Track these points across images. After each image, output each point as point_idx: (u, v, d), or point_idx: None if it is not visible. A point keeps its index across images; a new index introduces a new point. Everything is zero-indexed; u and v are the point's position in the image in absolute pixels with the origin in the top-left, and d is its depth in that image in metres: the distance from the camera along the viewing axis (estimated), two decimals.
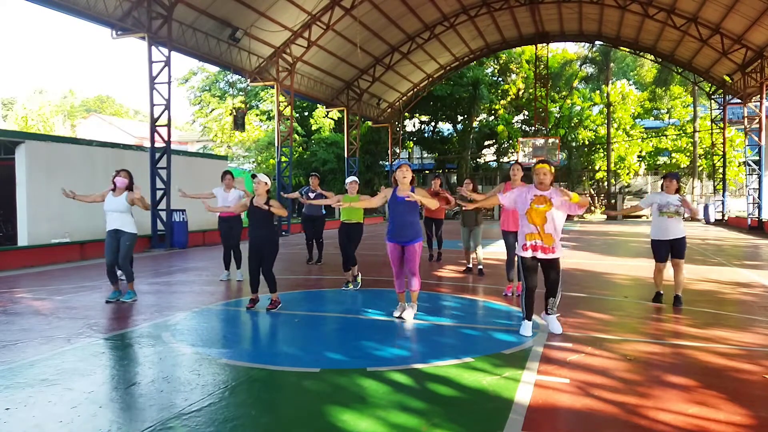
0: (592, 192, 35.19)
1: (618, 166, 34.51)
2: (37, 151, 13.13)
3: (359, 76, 24.63)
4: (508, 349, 4.61)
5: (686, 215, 6.46)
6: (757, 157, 21.72)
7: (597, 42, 27.96)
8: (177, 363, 4.30)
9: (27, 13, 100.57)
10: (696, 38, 20.80)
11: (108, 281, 6.94)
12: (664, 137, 35.25)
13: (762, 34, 18.73)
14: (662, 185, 6.66)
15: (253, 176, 6.28)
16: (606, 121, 34.19)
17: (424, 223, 10.26)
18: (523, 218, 5.11)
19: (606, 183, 34.48)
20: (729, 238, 17.44)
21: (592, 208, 32.56)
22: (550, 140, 28.93)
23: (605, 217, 31.32)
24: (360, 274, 7.83)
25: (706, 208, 25.21)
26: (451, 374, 3.98)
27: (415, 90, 29.57)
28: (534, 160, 27.95)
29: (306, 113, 35.04)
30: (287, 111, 22.09)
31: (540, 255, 5.00)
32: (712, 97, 26.31)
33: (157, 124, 14.25)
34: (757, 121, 21.69)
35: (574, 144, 35.11)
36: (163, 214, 13.97)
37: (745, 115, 22.45)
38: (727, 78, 23.41)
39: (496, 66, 37.41)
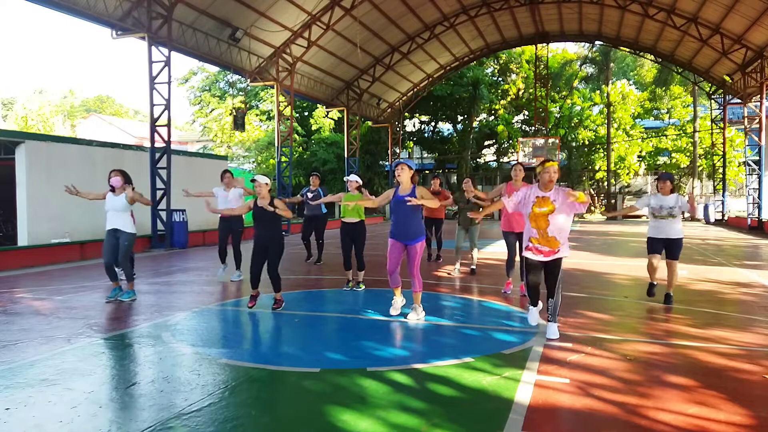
0: (592, 192, 35.19)
1: (618, 166, 34.50)
2: (37, 151, 13.13)
3: (359, 76, 24.63)
4: (508, 349, 4.61)
5: (686, 215, 6.43)
6: (757, 157, 21.72)
7: (597, 42, 27.97)
8: (177, 363, 4.30)
9: (27, 13, 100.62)
10: (696, 38, 20.80)
11: (108, 280, 6.95)
12: (664, 137, 35.24)
13: (762, 34, 18.73)
14: (656, 186, 6.63)
15: (253, 180, 6.27)
16: (606, 121, 34.19)
17: (424, 224, 10.21)
18: (526, 221, 5.08)
19: (606, 183, 34.47)
20: (729, 238, 17.44)
21: (593, 207, 32.55)
22: (550, 140, 28.93)
23: (605, 217, 31.32)
24: (363, 283, 7.69)
25: (706, 208, 25.22)
26: (451, 374, 3.98)
27: (415, 90, 29.57)
28: (534, 160, 28.00)
29: (306, 113, 35.03)
30: (287, 111, 22.09)
31: (542, 258, 4.94)
32: (712, 97, 26.31)
33: (157, 124, 14.25)
34: (757, 121, 21.69)
35: (574, 144, 35.10)
36: (163, 214, 13.97)
37: (745, 115, 22.45)
38: (727, 78, 23.41)
39: (496, 66, 37.40)
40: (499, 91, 37.39)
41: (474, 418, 3.24)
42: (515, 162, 8.73)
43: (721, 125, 25.97)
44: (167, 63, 14.11)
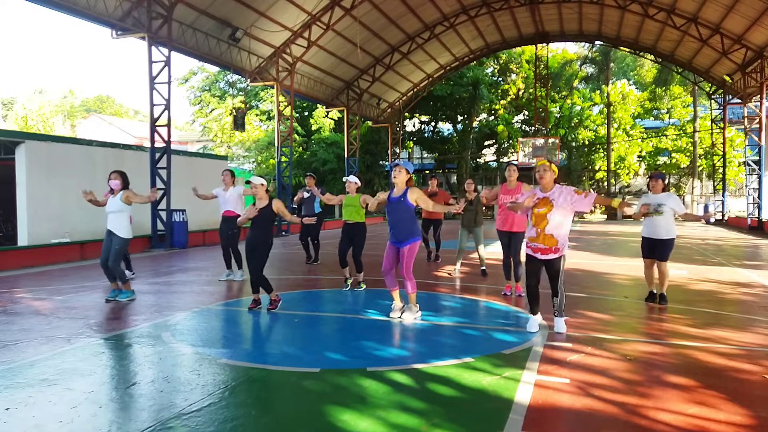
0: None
1: (618, 166, 34.49)
2: (37, 151, 13.13)
3: (359, 76, 24.63)
4: (508, 349, 4.61)
5: (677, 215, 6.43)
6: (757, 157, 21.72)
7: (597, 42, 27.95)
8: (177, 363, 4.30)
9: (27, 13, 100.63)
10: (696, 38, 20.80)
11: (107, 279, 6.96)
12: (664, 137, 35.23)
13: (762, 34, 18.73)
14: (648, 185, 6.65)
15: (248, 182, 6.24)
16: (606, 121, 34.18)
17: (422, 224, 10.20)
18: (528, 221, 5.19)
19: (606, 183, 34.47)
20: (729, 238, 17.44)
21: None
22: (550, 140, 28.91)
23: (605, 217, 31.33)
24: (364, 283, 7.68)
25: (705, 208, 25.24)
26: (451, 374, 3.98)
27: (415, 90, 29.56)
28: (534, 161, 28.00)
29: (306, 113, 35.02)
30: (287, 111, 22.09)
31: (540, 256, 5.04)
32: (712, 97, 26.30)
33: (157, 124, 14.25)
34: (757, 121, 21.69)
35: (574, 144, 35.10)
36: (163, 214, 13.97)
37: (745, 115, 22.45)
38: (727, 78, 23.41)
39: (496, 66, 37.39)
40: (499, 91, 37.37)
41: (474, 418, 3.24)
42: (508, 163, 8.74)
43: (721, 125, 25.97)
44: (167, 63, 14.11)
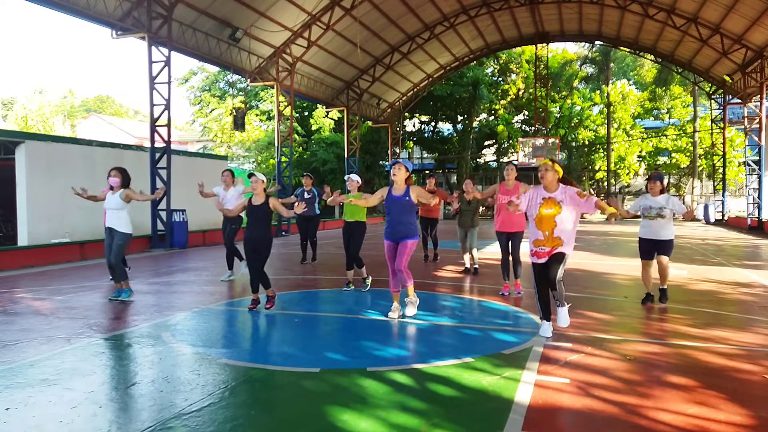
0: (592, 192, 35.21)
1: (618, 166, 34.50)
2: (37, 151, 13.13)
3: (359, 76, 24.63)
4: (508, 349, 4.61)
5: (676, 215, 6.42)
6: (757, 157, 21.72)
7: (597, 42, 27.95)
8: (177, 363, 4.30)
9: (27, 13, 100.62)
10: (696, 38, 20.80)
11: (109, 279, 6.96)
12: (664, 137, 35.25)
13: (762, 34, 18.72)
14: (646, 186, 6.60)
15: (250, 175, 6.27)
16: (606, 121, 34.19)
17: (419, 224, 10.22)
18: (531, 223, 4.99)
19: (606, 183, 34.47)
20: (729, 238, 17.44)
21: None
22: (550, 140, 28.91)
23: (605, 217, 31.33)
24: (370, 276, 7.72)
25: (705, 208, 25.21)
26: (451, 374, 3.97)
27: (415, 90, 29.56)
28: (534, 160, 27.99)
29: (306, 113, 35.01)
30: (287, 111, 22.08)
31: (544, 260, 4.87)
32: (712, 97, 26.31)
33: (157, 124, 14.25)
34: (757, 121, 21.69)
35: (574, 144, 35.11)
36: (163, 214, 13.97)
37: (745, 115, 22.45)
38: (727, 78, 23.40)
39: (496, 66, 37.39)
40: (499, 91, 37.38)
41: (474, 418, 3.24)
42: (507, 162, 8.75)
43: (721, 125, 25.97)
44: (167, 63, 14.11)
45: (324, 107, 27.88)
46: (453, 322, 5.69)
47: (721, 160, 25.96)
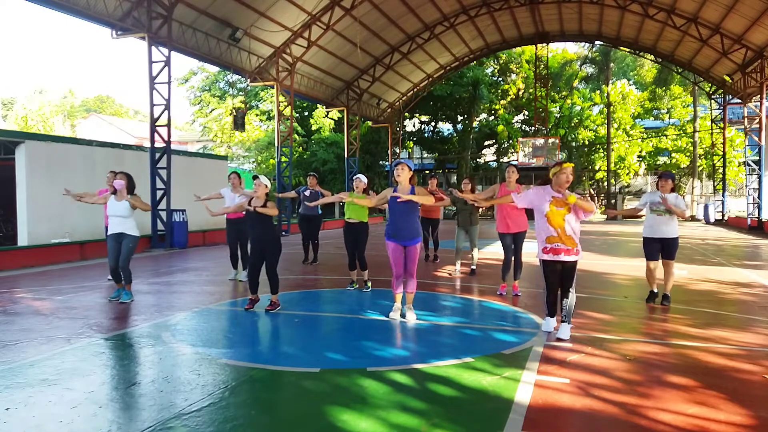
0: (592, 192, 35.20)
1: (618, 166, 34.49)
2: (37, 151, 13.13)
3: (359, 76, 24.62)
4: (508, 349, 4.61)
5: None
6: (757, 157, 21.71)
7: (597, 42, 27.95)
8: (177, 363, 4.30)
9: (27, 13, 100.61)
10: (696, 38, 20.80)
11: (112, 281, 6.97)
12: (664, 137, 35.23)
13: (762, 34, 18.72)
14: (657, 184, 6.60)
15: (255, 177, 6.27)
16: (606, 121, 34.17)
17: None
18: (541, 220, 5.01)
19: (606, 183, 34.47)
20: (729, 238, 17.44)
21: (596, 210, 32.60)
22: (550, 140, 28.90)
23: (605, 217, 31.36)
24: (370, 281, 7.70)
25: (706, 208, 25.21)
26: (451, 374, 3.98)
27: (415, 90, 29.56)
28: (534, 161, 27.98)
29: (306, 113, 35.01)
30: (287, 111, 22.08)
31: (563, 257, 4.91)
32: (712, 97, 26.30)
33: (157, 124, 14.25)
34: (757, 121, 21.68)
35: (574, 144, 35.09)
36: (163, 214, 13.97)
37: (745, 115, 22.44)
38: (727, 78, 23.40)
39: (496, 66, 37.38)
40: (499, 91, 37.37)
41: (474, 418, 3.24)
42: (509, 164, 8.76)
43: (721, 125, 25.97)
44: (167, 63, 14.11)
45: (324, 107, 27.87)
46: (453, 322, 5.70)
47: (721, 160, 25.95)
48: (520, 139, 30.31)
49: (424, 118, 37.83)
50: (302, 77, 21.62)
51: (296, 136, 31.14)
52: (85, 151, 14.66)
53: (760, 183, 21.67)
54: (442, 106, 35.25)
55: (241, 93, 32.86)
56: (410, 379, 3.90)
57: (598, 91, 35.92)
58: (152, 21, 13.78)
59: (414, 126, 38.76)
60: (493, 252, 12.34)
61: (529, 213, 5.57)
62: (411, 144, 37.68)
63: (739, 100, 22.94)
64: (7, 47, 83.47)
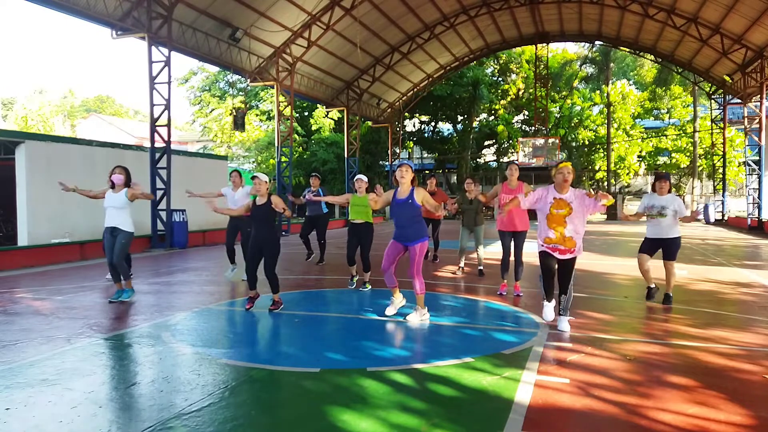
0: (592, 192, 35.19)
1: (618, 166, 34.49)
2: (37, 151, 13.13)
3: (359, 76, 24.63)
4: (508, 349, 4.61)
5: (678, 216, 6.44)
6: (757, 157, 21.71)
7: (597, 42, 27.95)
8: (177, 363, 4.30)
9: (27, 13, 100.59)
10: (696, 38, 20.80)
11: (111, 281, 6.96)
12: (664, 137, 35.23)
13: (762, 34, 18.72)
14: (653, 186, 6.63)
15: (254, 177, 6.28)
16: (606, 121, 34.17)
17: None
18: (542, 221, 5.12)
19: (606, 183, 34.47)
20: (729, 238, 17.44)
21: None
22: (550, 140, 28.90)
23: (605, 217, 31.37)
24: (369, 283, 7.67)
25: (706, 208, 25.19)
26: (451, 374, 3.98)
27: (415, 90, 29.56)
28: (534, 160, 27.96)
29: (306, 113, 35.01)
30: (287, 111, 22.08)
31: (558, 255, 5.05)
32: (712, 97, 26.30)
33: (157, 124, 14.25)
34: (757, 121, 21.68)
35: (574, 144, 35.10)
36: (163, 214, 13.97)
37: (745, 115, 22.44)
38: (727, 78, 23.40)
39: (496, 66, 37.39)
40: (499, 91, 37.37)
41: (474, 418, 3.24)
42: (509, 162, 8.77)
43: (721, 125, 25.97)
44: (167, 63, 14.11)
45: (324, 107, 27.87)
46: (453, 322, 5.69)
47: (721, 160, 25.95)
48: (520, 139, 30.31)
49: (424, 118, 37.84)
50: (302, 77, 21.63)
51: (296, 136, 31.14)
52: (85, 151, 14.66)
53: (760, 183, 21.66)
54: (442, 106, 35.25)
55: (241, 93, 32.87)
56: (410, 379, 3.90)
57: (598, 91, 35.92)
58: (152, 21, 13.78)
59: (414, 126, 38.77)
60: (494, 252, 12.34)
61: (532, 212, 5.62)
62: (411, 144, 37.68)
63: (739, 100, 22.94)
64: (7, 47, 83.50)
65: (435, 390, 3.69)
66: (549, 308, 5.25)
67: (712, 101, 26.83)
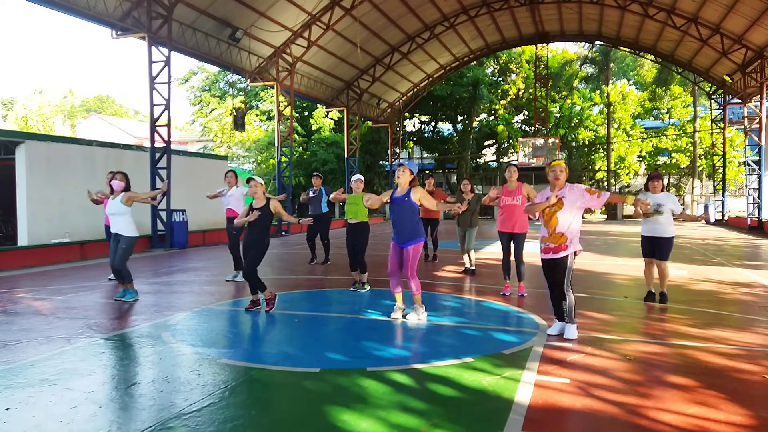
0: (605, 192, 35.21)
1: (618, 166, 34.49)
2: (37, 151, 13.13)
3: (359, 76, 24.63)
4: (508, 349, 4.61)
5: (674, 213, 6.46)
6: (757, 157, 21.72)
7: (597, 42, 27.95)
8: (177, 363, 4.30)
9: (27, 13, 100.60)
10: (696, 38, 20.80)
11: (114, 280, 6.98)
12: (664, 137, 35.23)
13: (762, 34, 18.73)
14: (646, 185, 6.66)
15: (249, 179, 6.26)
16: (606, 121, 34.18)
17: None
18: (541, 221, 5.15)
19: (606, 183, 34.47)
20: (729, 238, 17.44)
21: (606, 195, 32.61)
22: (550, 140, 28.91)
23: (605, 217, 31.38)
24: (368, 284, 7.66)
25: (706, 208, 25.21)
26: (451, 374, 3.97)
27: (415, 90, 29.57)
28: (534, 161, 27.97)
29: (306, 113, 35.02)
30: (287, 111, 22.09)
31: (551, 256, 4.96)
32: (712, 97, 26.31)
33: (157, 124, 14.25)
34: (757, 121, 21.69)
35: (574, 144, 35.11)
36: (163, 214, 13.97)
37: (745, 115, 22.45)
38: (727, 78, 23.41)
39: (496, 66, 37.39)
40: (499, 91, 37.38)
41: (474, 418, 3.24)
42: (508, 164, 8.79)
43: (721, 125, 25.97)
44: (167, 63, 14.11)
45: (324, 107, 27.88)
46: (453, 322, 5.69)
47: (721, 160, 25.95)
48: (520, 139, 30.32)
49: (424, 118, 37.85)
50: (302, 77, 21.63)
51: (296, 136, 31.15)
52: (85, 151, 14.66)
53: (760, 183, 21.66)
54: (442, 106, 35.26)
55: (241, 93, 32.87)
56: (410, 379, 3.90)
57: (598, 91, 35.93)
58: (152, 21, 13.78)
59: (414, 126, 38.77)
60: (493, 252, 12.34)
61: None
62: (411, 144, 37.69)
63: (739, 100, 22.95)
64: (7, 47, 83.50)
65: (435, 390, 3.69)
66: (557, 325, 5.08)
67: (712, 101, 26.84)
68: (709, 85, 25.81)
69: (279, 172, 20.09)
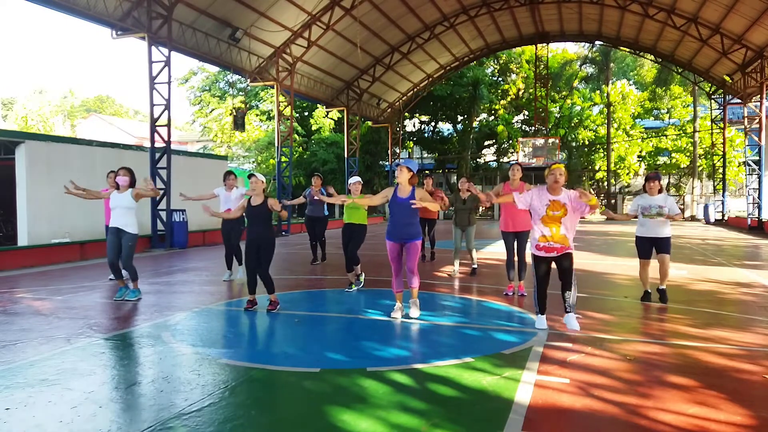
0: (592, 192, 35.22)
1: (618, 166, 34.49)
2: (37, 151, 13.13)
3: (359, 76, 24.63)
4: (508, 349, 4.61)
5: (671, 215, 6.47)
6: (757, 157, 21.72)
7: (597, 42, 27.95)
8: (177, 363, 4.30)
9: (27, 13, 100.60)
10: (696, 38, 20.80)
11: (111, 278, 6.95)
12: (664, 137, 35.23)
13: (762, 34, 18.73)
14: (644, 187, 6.67)
15: (250, 176, 6.29)
16: (606, 121, 34.18)
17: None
18: (537, 221, 5.17)
19: (606, 183, 34.47)
20: (729, 238, 17.44)
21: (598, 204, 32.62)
22: (550, 140, 28.91)
23: (605, 217, 31.35)
24: (363, 273, 7.78)
25: (706, 208, 25.21)
26: (451, 374, 3.98)
27: (415, 90, 29.56)
28: (534, 161, 27.98)
29: (306, 113, 35.02)
30: (287, 111, 22.08)
31: (554, 255, 5.10)
32: (712, 97, 26.30)
33: (157, 124, 14.25)
34: (757, 121, 21.68)
35: (574, 144, 35.10)
36: (163, 214, 13.97)
37: (745, 115, 22.45)
38: (727, 78, 23.40)
39: (496, 66, 37.39)
40: (499, 91, 37.38)
41: (474, 418, 3.24)
42: (513, 162, 8.75)
43: (721, 125, 25.97)
44: (167, 63, 14.11)
45: (324, 107, 27.87)
46: (453, 322, 5.70)
47: (721, 160, 25.95)
48: (520, 139, 30.32)
49: (424, 118, 37.85)
50: (302, 77, 21.63)
51: (296, 136, 31.15)
52: (85, 151, 14.65)
53: (760, 183, 21.66)
54: (442, 106, 35.26)
55: (241, 93, 32.87)
56: (410, 379, 3.90)
57: (598, 91, 35.93)
58: (152, 21, 13.78)
59: (414, 126, 38.78)
60: (493, 252, 12.35)
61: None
62: (411, 144, 37.70)
63: (739, 100, 22.95)
64: (7, 47, 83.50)
65: (435, 390, 3.69)
66: (541, 320, 5.30)
67: (712, 101, 26.83)
68: (709, 85, 25.80)
69: (279, 172, 20.09)
